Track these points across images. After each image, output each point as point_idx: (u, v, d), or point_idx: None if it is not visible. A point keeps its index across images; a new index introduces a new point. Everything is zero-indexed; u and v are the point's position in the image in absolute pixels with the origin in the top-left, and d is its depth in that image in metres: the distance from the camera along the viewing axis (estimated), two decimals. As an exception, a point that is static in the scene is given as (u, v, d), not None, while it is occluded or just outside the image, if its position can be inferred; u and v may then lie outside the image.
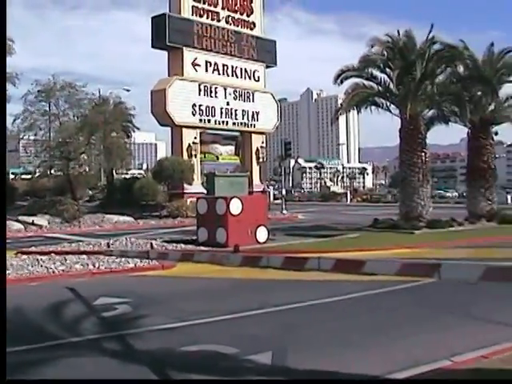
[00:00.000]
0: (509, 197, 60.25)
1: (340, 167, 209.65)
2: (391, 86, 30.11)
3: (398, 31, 30.53)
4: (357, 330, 9.75)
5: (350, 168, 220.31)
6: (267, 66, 50.83)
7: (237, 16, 47.96)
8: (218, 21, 46.45)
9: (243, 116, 47.74)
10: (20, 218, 34.67)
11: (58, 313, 11.33)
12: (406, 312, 11.20)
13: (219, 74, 46.48)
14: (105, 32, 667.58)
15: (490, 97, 32.36)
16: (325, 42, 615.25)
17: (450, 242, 22.97)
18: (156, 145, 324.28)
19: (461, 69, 32.06)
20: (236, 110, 47.11)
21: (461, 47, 30.93)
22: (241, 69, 48.20)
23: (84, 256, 18.98)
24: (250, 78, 48.96)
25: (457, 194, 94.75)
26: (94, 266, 17.08)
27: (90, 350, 8.80)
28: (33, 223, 33.93)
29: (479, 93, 32.62)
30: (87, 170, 46.68)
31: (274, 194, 70.62)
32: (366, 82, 30.94)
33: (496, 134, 36.13)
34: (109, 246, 21.49)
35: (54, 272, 16.26)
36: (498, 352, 7.94)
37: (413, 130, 29.12)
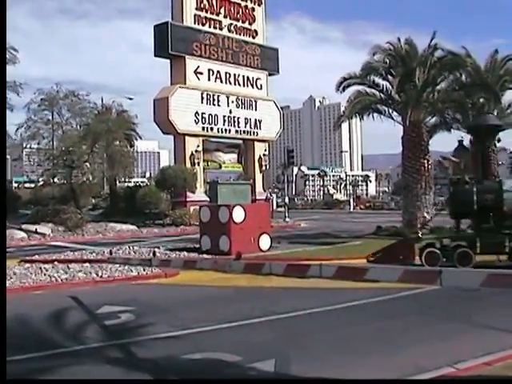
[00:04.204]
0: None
1: (343, 175, 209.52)
2: (393, 93, 30.17)
3: (399, 38, 30.61)
4: (359, 338, 9.75)
5: (352, 175, 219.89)
6: (270, 74, 50.91)
7: (239, 24, 48.09)
8: (221, 29, 46.57)
9: (246, 124, 47.79)
10: (23, 226, 34.71)
11: (61, 321, 11.35)
12: (408, 319, 11.20)
13: (222, 82, 46.57)
14: (110, 41, 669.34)
15: (492, 104, 32.34)
16: (329, 50, 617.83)
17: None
18: (159, 153, 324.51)
19: (463, 76, 32.09)
20: (239, 118, 47.17)
21: (463, 54, 30.99)
22: (243, 77, 48.27)
23: (87, 264, 18.99)
24: (252, 85, 49.03)
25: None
26: (97, 275, 17.08)
27: (93, 358, 8.80)
28: (36, 232, 33.96)
29: (482, 100, 32.61)
30: (90, 178, 46.71)
31: (277, 202, 70.59)
32: (368, 90, 31.01)
33: (499, 140, 36.11)
34: (112, 254, 21.51)
35: (57, 280, 16.27)
36: (500, 359, 7.94)
37: (415, 137, 29.14)
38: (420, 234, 18.46)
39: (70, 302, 13.30)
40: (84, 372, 8.09)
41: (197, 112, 44.08)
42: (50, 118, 42.06)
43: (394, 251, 17.99)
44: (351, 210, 77.17)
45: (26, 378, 7.73)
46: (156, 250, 22.34)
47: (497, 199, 17.47)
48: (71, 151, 40.76)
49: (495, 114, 33.37)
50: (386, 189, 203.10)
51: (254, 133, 48.53)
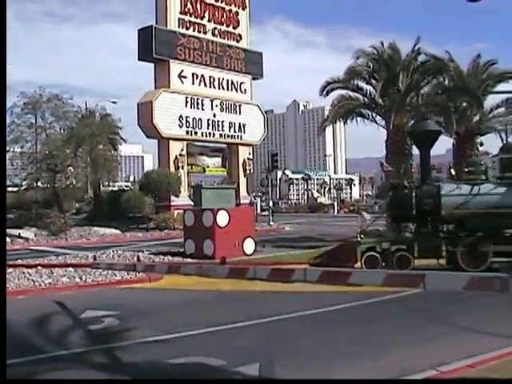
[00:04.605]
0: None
1: (327, 178, 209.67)
2: (377, 97, 30.29)
3: (382, 43, 30.78)
4: (344, 341, 9.79)
5: (336, 179, 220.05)
6: (254, 78, 50.89)
7: (223, 28, 48.05)
8: (205, 33, 46.50)
9: (230, 128, 47.74)
10: (6, 230, 34.46)
11: (45, 326, 11.30)
12: (392, 322, 11.25)
13: (206, 86, 46.49)
14: (94, 44, 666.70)
15: (475, 108, 32.58)
16: (313, 55, 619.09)
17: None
18: (143, 157, 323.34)
19: (446, 80, 32.30)
20: (223, 122, 47.11)
21: (446, 59, 31.21)
22: (227, 81, 48.24)
23: (71, 269, 18.92)
24: (236, 89, 49.01)
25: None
26: (81, 279, 17.04)
27: (76, 363, 8.78)
28: (19, 236, 33.76)
29: (464, 104, 32.84)
30: (74, 182, 46.41)
31: (261, 206, 70.69)
32: (351, 94, 31.13)
33: (481, 144, 36.36)
34: (95, 259, 21.44)
35: (40, 285, 16.21)
36: (483, 361, 8.00)
37: (399, 141, 29.24)
38: (360, 238, 18.60)
39: (53, 307, 13.25)
40: (68, 377, 8.05)
41: (181, 116, 43.99)
42: (34, 121, 41.81)
43: (335, 255, 18.15)
44: (335, 213, 77.35)
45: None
46: (140, 254, 22.31)
47: (435, 204, 17.66)
48: (55, 155, 40.52)
49: (478, 118, 33.70)
50: (370, 192, 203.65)
51: (238, 137, 48.51)
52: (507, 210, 17.02)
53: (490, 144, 61.84)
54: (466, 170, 19.14)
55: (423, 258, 17.51)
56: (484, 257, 16.96)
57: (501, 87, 33.60)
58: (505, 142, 33.71)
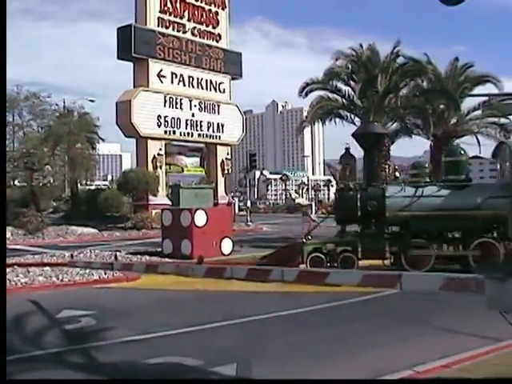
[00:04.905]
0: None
1: (305, 179, 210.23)
2: (355, 98, 30.45)
3: (361, 44, 30.95)
4: (320, 341, 9.83)
5: (315, 180, 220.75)
6: (233, 78, 50.87)
7: (203, 28, 47.98)
8: (184, 32, 46.41)
9: (208, 128, 47.68)
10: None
11: (20, 326, 11.22)
12: (369, 322, 11.31)
13: (184, 85, 46.40)
14: (73, 42, 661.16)
15: (452, 110, 32.85)
16: (293, 55, 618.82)
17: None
18: (121, 156, 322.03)
19: (424, 82, 32.55)
20: (201, 122, 47.04)
21: (424, 61, 31.44)
22: (206, 80, 48.18)
23: (47, 268, 18.78)
24: (215, 89, 48.97)
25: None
26: (58, 278, 16.93)
27: (53, 363, 8.73)
28: (-5, 235, 33.46)
29: (442, 106, 33.11)
30: (51, 181, 46.22)
31: (239, 206, 70.61)
32: (330, 95, 31.28)
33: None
34: (72, 258, 21.33)
35: (16, 284, 16.08)
36: (458, 361, 8.08)
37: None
38: (304, 239, 18.76)
39: (29, 307, 13.16)
40: (44, 378, 8.01)
41: (159, 115, 43.86)
42: (11, 119, 41.58)
43: (281, 255, 18.27)
44: (313, 214, 77.45)
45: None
46: (117, 253, 22.21)
47: (379, 205, 17.79)
48: (32, 153, 40.32)
49: (455, 120, 33.97)
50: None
51: (216, 137, 48.47)
52: (450, 213, 17.20)
53: (468, 147, 62.57)
54: (411, 172, 19.29)
55: (367, 259, 17.65)
56: (427, 258, 17.13)
57: (478, 90, 33.91)
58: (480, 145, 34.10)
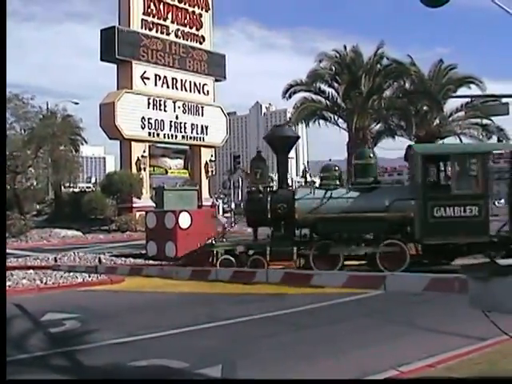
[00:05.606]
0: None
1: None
2: (339, 100, 30.57)
3: (345, 46, 31.07)
4: (306, 342, 9.84)
5: (298, 181, 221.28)
6: (217, 80, 50.87)
7: (186, 30, 47.94)
8: (168, 34, 46.37)
9: (192, 130, 47.63)
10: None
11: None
12: (353, 323, 11.34)
13: (168, 87, 46.34)
14: (56, 44, 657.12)
15: (435, 111, 33.04)
16: (277, 57, 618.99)
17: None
18: (105, 158, 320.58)
19: (407, 84, 32.72)
20: (185, 124, 46.99)
21: (408, 63, 31.62)
22: (190, 82, 48.13)
23: (31, 271, 18.67)
24: (199, 91, 48.92)
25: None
26: (42, 282, 16.83)
27: (37, 367, 8.68)
28: (-22, 238, 33.25)
29: (425, 107, 33.30)
30: (35, 183, 45.90)
31: (224, 208, 70.50)
32: (314, 97, 31.44)
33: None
34: (56, 261, 21.22)
35: (-1, 288, 15.99)
36: (442, 361, 8.11)
37: (360, 144, 29.54)
38: (214, 241, 18.89)
39: (13, 310, 13.05)
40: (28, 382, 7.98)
41: (143, 117, 43.78)
42: (-7, 122, 41.27)
43: (195, 257, 18.44)
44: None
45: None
46: (101, 256, 22.12)
47: (289, 208, 17.86)
48: (15, 156, 40.00)
49: (438, 121, 34.19)
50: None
51: (200, 138, 48.42)
52: (357, 215, 17.34)
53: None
54: (321, 175, 19.35)
55: (276, 261, 17.68)
56: (335, 259, 17.22)
57: (461, 91, 34.14)
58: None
